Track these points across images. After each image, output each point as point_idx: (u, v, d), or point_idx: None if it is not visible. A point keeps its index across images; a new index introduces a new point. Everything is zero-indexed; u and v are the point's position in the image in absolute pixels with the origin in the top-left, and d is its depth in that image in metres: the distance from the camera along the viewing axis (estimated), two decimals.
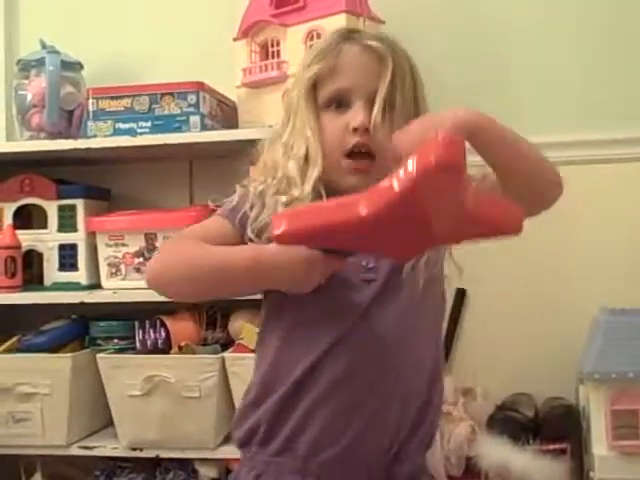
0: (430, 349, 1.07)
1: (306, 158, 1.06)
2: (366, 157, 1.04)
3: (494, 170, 0.94)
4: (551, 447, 1.69)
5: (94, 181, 2.09)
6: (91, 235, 1.96)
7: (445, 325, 1.96)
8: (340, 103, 1.06)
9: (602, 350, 1.63)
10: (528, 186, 0.97)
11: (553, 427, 1.75)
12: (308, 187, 1.04)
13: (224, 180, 2.02)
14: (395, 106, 1.03)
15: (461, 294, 1.98)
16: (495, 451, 1.68)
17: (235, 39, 1.96)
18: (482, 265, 1.97)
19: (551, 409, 1.81)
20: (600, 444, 1.62)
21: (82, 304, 1.89)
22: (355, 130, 1.03)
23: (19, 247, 1.95)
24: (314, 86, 1.09)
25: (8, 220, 2.00)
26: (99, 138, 1.90)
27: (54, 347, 1.88)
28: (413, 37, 1.95)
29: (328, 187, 1.05)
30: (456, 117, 0.87)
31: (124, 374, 1.79)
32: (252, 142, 1.82)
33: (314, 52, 1.10)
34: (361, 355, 1.00)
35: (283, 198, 1.05)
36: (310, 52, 1.12)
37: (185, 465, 1.85)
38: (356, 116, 1.03)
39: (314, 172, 1.05)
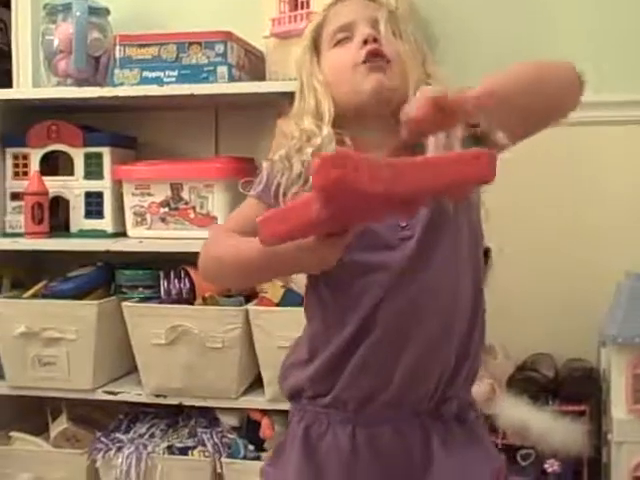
0: (470, 286, 1.08)
1: (317, 107, 1.08)
2: (381, 58, 1.06)
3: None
4: (570, 408, 1.70)
5: (120, 128, 2.08)
6: (117, 183, 1.97)
7: None
8: (344, 39, 1.08)
9: (626, 314, 1.62)
10: (554, 106, 1.01)
11: (573, 389, 1.75)
12: (326, 129, 1.06)
13: (249, 131, 2.05)
14: (399, 30, 1.08)
15: (485, 252, 1.97)
16: (514, 411, 1.69)
17: None
18: (507, 225, 1.97)
19: (571, 371, 1.81)
20: (619, 407, 1.62)
21: (108, 252, 1.91)
22: (365, 43, 1.06)
23: (46, 193, 1.96)
24: (316, 40, 1.12)
25: (35, 166, 2.01)
26: (126, 86, 1.89)
27: (80, 294, 1.91)
28: None
29: (353, 139, 1.06)
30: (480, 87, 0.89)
31: (149, 323, 1.81)
32: (279, 94, 1.83)
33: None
34: (408, 306, 1.02)
35: (308, 150, 1.06)
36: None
37: (207, 413, 1.89)
38: (363, 31, 1.06)
39: (326, 111, 1.06)
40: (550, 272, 1.93)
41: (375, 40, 1.05)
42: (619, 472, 1.62)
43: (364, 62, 1.05)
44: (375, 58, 1.05)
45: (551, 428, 1.65)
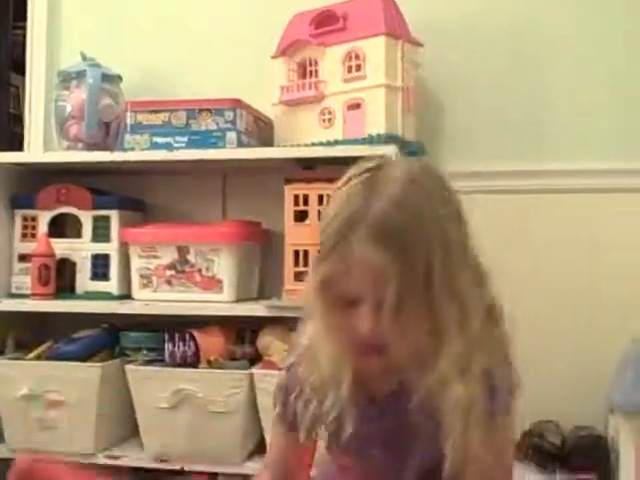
0: None
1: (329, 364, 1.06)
2: (375, 350, 1.00)
3: None
4: (579, 477, 1.68)
5: (128, 192, 2.11)
6: (124, 246, 1.99)
7: None
8: (349, 302, 0.99)
9: (633, 382, 1.62)
10: None
11: (581, 456, 1.73)
12: (344, 390, 1.05)
13: (257, 196, 2.08)
14: (404, 306, 0.95)
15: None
16: (522, 479, 1.67)
17: (273, 57, 1.98)
18: (511, 287, 1.98)
19: (579, 438, 1.79)
20: (629, 476, 1.60)
21: (113, 314, 1.92)
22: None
23: (53, 256, 1.98)
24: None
25: (43, 228, 2.03)
26: (136, 151, 1.92)
27: (84, 356, 1.90)
28: (451, 59, 2.01)
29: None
30: None
31: (152, 386, 1.80)
32: (287, 160, 1.87)
33: (323, 236, 1.00)
34: None
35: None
36: (321, 227, 1.02)
37: (210, 478, 1.85)
38: (362, 322, 0.97)
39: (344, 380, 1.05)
40: (555, 336, 1.93)
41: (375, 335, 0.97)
42: None
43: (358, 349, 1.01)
44: (369, 349, 1.00)
45: None
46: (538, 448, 1.73)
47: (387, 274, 0.93)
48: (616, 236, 1.93)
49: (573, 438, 1.80)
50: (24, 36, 2.35)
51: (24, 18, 2.34)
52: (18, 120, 2.32)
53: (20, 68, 2.31)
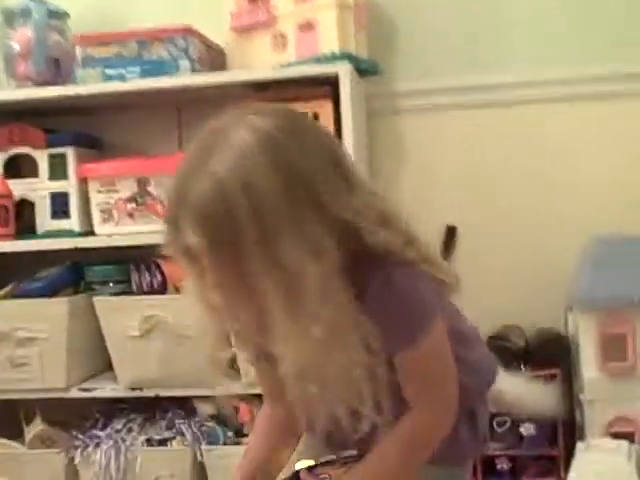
0: None
1: None
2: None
3: None
4: (542, 373, 1.74)
5: (83, 130, 2.09)
6: (82, 182, 1.97)
7: None
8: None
9: (593, 277, 1.68)
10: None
11: (543, 354, 1.80)
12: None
13: None
14: (224, 286, 0.92)
15: (451, 230, 2.02)
16: None
17: None
18: (469, 200, 2.03)
19: (541, 337, 1.86)
20: (589, 367, 1.68)
21: (76, 251, 1.91)
22: None
23: (10, 196, 1.96)
24: None
25: None
26: (89, 85, 1.90)
27: (49, 293, 1.90)
28: None
29: None
30: None
31: (122, 316, 1.81)
32: (242, 85, 1.87)
33: None
34: None
35: None
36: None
37: (184, 404, 1.88)
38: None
39: None
40: (515, 245, 2.00)
41: None
42: (593, 430, 1.67)
43: None
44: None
45: (525, 392, 1.68)
46: (502, 349, 1.79)
47: (200, 256, 0.90)
48: (567, 144, 1.98)
49: (536, 338, 1.87)
50: None
51: None
52: None
53: None
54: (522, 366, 1.78)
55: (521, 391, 1.68)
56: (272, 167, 0.87)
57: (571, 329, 1.79)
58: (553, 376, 1.74)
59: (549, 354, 1.80)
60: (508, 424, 1.77)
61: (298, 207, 0.88)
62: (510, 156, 2.02)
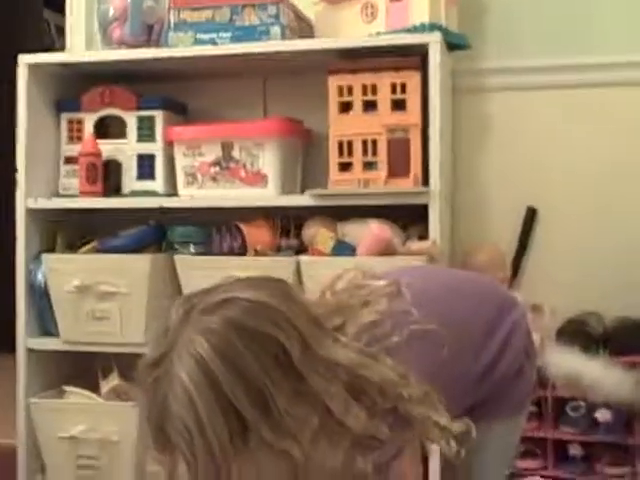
0: None
1: None
2: None
3: None
4: (621, 360, 1.70)
5: (171, 96, 2.13)
6: (169, 145, 2.01)
7: (516, 242, 1.99)
8: None
9: None
10: None
11: (623, 341, 1.76)
12: None
13: (297, 97, 2.08)
14: None
15: (531, 212, 1.99)
16: (565, 360, 1.69)
17: None
18: (551, 182, 2.00)
19: (621, 324, 1.82)
20: None
21: (160, 211, 1.95)
22: None
23: (100, 155, 2.01)
24: None
25: (89, 130, 2.06)
26: (180, 48, 1.94)
27: (131, 250, 1.95)
28: None
29: None
30: None
31: (202, 275, 1.83)
32: (329, 55, 1.87)
33: None
34: None
35: None
36: None
37: None
38: None
39: None
40: (598, 231, 1.95)
41: None
42: None
43: None
44: None
45: (602, 377, 1.65)
46: (582, 332, 1.76)
47: None
48: None
49: (616, 324, 1.83)
50: None
51: None
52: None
53: None
54: (601, 351, 1.74)
55: (599, 375, 1.65)
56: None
57: None
58: (634, 364, 1.70)
59: (630, 341, 1.75)
60: (583, 409, 1.74)
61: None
62: (595, 138, 1.98)
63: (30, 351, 1.99)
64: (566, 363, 1.69)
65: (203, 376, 0.84)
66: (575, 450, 1.75)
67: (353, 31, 1.93)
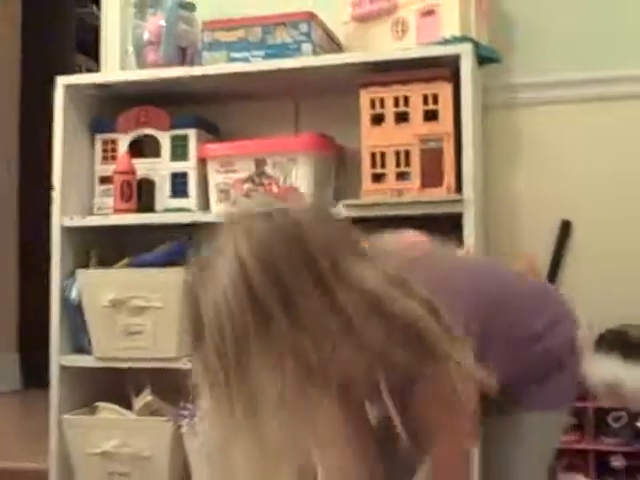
0: None
1: None
2: None
3: None
4: None
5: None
6: (202, 163, 2.03)
7: (549, 256, 1.97)
8: None
9: None
10: None
11: None
12: None
13: (328, 116, 2.10)
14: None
15: (566, 225, 1.98)
16: (605, 369, 1.66)
17: None
18: (584, 195, 1.99)
19: None
20: None
21: (193, 227, 1.96)
22: None
23: (134, 173, 2.04)
24: None
25: (123, 149, 2.09)
26: (214, 65, 1.97)
27: (165, 264, 1.95)
28: None
29: None
30: None
31: None
32: (360, 70, 1.89)
33: None
34: None
35: None
36: None
37: None
38: None
39: None
40: (630, 240, 1.94)
41: None
42: None
43: None
44: None
45: None
46: (622, 340, 1.73)
47: None
48: None
49: None
50: None
51: None
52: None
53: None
54: None
55: None
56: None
57: None
58: None
59: None
60: (624, 419, 1.70)
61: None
62: (627, 151, 1.97)
63: (63, 368, 1.99)
64: (606, 372, 1.66)
65: (241, 272, 0.95)
66: (617, 461, 1.70)
67: (384, 48, 1.95)
